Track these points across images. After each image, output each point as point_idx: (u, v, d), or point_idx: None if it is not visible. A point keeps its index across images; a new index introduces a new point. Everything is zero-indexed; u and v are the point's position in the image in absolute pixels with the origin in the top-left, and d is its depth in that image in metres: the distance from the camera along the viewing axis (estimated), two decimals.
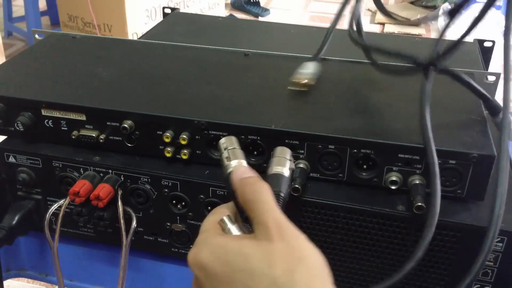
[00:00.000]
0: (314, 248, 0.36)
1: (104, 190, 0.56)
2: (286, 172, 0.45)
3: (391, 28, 3.19)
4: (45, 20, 3.09)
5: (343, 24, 0.63)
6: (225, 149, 0.44)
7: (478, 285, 0.52)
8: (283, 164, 0.46)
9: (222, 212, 0.41)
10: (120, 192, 0.57)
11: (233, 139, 0.45)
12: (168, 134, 0.55)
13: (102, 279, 0.65)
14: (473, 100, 0.59)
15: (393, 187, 0.52)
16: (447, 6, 3.09)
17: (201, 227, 0.40)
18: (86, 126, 0.58)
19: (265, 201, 0.38)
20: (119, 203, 0.57)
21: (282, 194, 0.43)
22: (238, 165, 0.42)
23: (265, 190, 0.39)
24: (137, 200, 0.58)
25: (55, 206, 0.59)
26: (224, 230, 0.39)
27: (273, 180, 0.44)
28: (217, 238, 0.38)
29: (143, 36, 0.90)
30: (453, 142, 0.50)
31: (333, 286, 0.35)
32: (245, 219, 0.40)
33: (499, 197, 0.43)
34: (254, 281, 0.34)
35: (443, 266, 0.52)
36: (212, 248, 0.37)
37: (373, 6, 3.49)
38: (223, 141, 0.45)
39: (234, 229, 0.39)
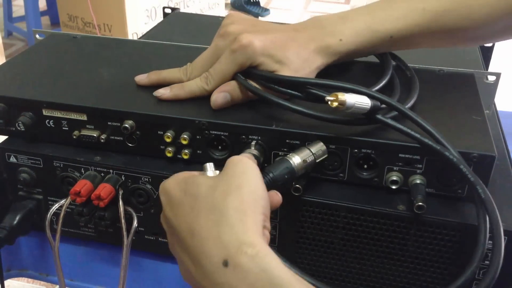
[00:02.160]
0: (257, 182, 0.42)
1: (105, 190, 0.56)
2: (294, 159, 0.49)
3: None
4: (45, 20, 3.09)
5: None
6: (256, 144, 0.54)
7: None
8: (299, 153, 0.50)
9: None
10: (121, 192, 0.57)
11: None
12: (169, 134, 0.55)
13: (103, 279, 0.65)
14: (473, 99, 0.59)
15: (393, 187, 0.52)
16: None
17: None
18: (87, 126, 0.58)
19: (239, 158, 0.45)
20: (120, 203, 0.57)
21: (271, 174, 0.47)
22: (246, 152, 0.52)
23: (245, 158, 0.45)
24: (138, 200, 0.58)
25: (56, 206, 0.59)
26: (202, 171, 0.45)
27: (276, 162, 0.49)
28: (184, 173, 0.45)
29: (143, 36, 0.90)
30: (454, 142, 0.50)
31: (262, 216, 0.40)
32: None
33: None
34: (197, 203, 0.40)
35: (443, 266, 0.52)
36: (176, 179, 0.44)
37: None
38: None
39: (209, 172, 0.45)
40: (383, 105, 0.51)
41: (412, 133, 0.49)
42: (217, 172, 0.45)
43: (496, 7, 0.55)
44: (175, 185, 0.43)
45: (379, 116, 0.51)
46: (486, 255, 0.51)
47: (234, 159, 0.44)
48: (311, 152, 0.50)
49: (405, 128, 0.50)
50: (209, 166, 0.45)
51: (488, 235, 0.45)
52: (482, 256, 0.45)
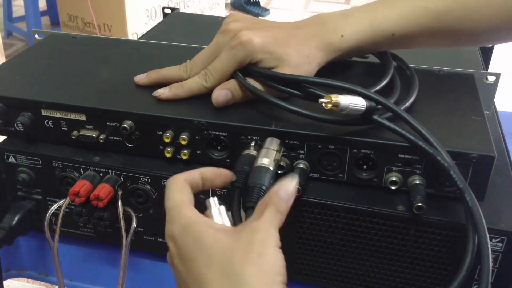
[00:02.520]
0: (277, 252, 0.39)
1: (104, 190, 0.56)
2: (270, 164, 0.48)
3: None
4: (45, 20, 3.09)
5: None
6: (255, 145, 0.52)
7: (478, 285, 0.52)
8: (269, 156, 0.49)
9: (186, 188, 0.43)
10: (120, 192, 0.57)
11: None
12: (168, 134, 0.55)
13: (102, 279, 0.65)
14: (473, 100, 0.59)
15: (393, 187, 0.52)
16: None
17: (166, 201, 0.43)
18: (86, 126, 0.58)
19: (273, 214, 0.40)
20: (119, 203, 0.57)
21: (264, 187, 0.46)
22: (293, 179, 0.43)
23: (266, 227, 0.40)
24: (137, 200, 0.58)
25: (55, 206, 0.59)
26: (207, 209, 0.43)
27: (256, 173, 0.47)
28: (191, 216, 0.41)
29: (143, 36, 0.90)
30: (453, 142, 0.50)
31: (280, 286, 0.37)
32: (246, 208, 0.45)
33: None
34: (213, 262, 0.37)
35: (443, 266, 0.52)
36: (183, 224, 0.40)
37: None
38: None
39: (216, 213, 0.42)
40: (379, 106, 0.51)
41: (406, 134, 0.49)
42: (224, 212, 0.43)
43: (497, 10, 0.55)
44: (184, 235, 0.40)
45: (375, 117, 0.50)
46: None
47: (257, 226, 0.39)
48: (275, 150, 0.51)
49: (399, 129, 0.49)
50: (214, 204, 0.43)
51: (475, 243, 0.45)
52: (471, 265, 0.45)
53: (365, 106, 0.49)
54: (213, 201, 0.43)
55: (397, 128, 0.49)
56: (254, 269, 0.36)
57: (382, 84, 0.56)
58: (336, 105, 0.48)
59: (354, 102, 0.49)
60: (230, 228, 0.41)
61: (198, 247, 0.39)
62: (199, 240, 0.39)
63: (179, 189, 0.43)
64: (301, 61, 0.56)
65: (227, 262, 0.37)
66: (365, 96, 0.50)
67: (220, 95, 0.56)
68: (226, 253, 0.38)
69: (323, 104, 0.49)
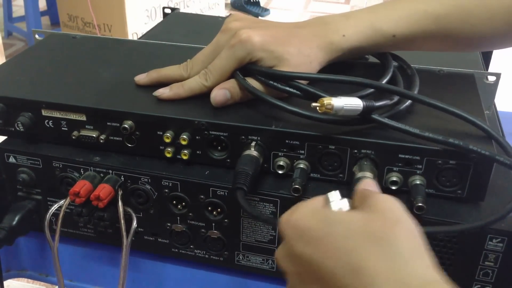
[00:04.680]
0: (411, 218, 0.37)
1: (104, 190, 0.56)
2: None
3: None
4: (45, 20, 3.09)
5: None
6: (255, 145, 0.53)
7: (479, 285, 0.52)
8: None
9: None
10: (120, 193, 0.57)
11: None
12: (168, 134, 0.55)
13: (102, 280, 0.65)
14: (473, 99, 0.59)
15: (393, 188, 0.52)
16: None
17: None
18: (86, 126, 0.58)
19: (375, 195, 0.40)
20: (119, 203, 0.57)
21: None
22: (368, 178, 0.49)
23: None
24: (137, 200, 0.58)
25: (55, 206, 0.59)
26: (326, 202, 0.41)
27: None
28: (312, 205, 0.39)
29: (143, 36, 0.90)
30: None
31: (428, 252, 0.36)
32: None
33: None
34: (351, 232, 0.35)
35: (443, 266, 0.52)
36: (308, 210, 0.38)
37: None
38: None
39: (337, 203, 0.40)
40: (382, 103, 0.51)
41: (410, 129, 0.49)
42: (346, 200, 0.41)
43: (497, 14, 0.55)
44: (308, 216, 0.38)
45: (374, 116, 0.50)
46: (486, 255, 0.51)
47: (383, 198, 0.38)
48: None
49: (401, 126, 0.49)
50: (335, 196, 0.41)
51: None
52: None
53: (361, 105, 0.49)
54: (334, 195, 0.41)
55: (399, 125, 0.49)
56: (402, 231, 0.35)
57: (384, 82, 0.56)
58: (329, 107, 0.48)
59: (349, 102, 0.49)
60: (352, 210, 0.39)
61: (329, 223, 0.36)
62: (328, 217, 0.37)
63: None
64: (301, 60, 0.56)
65: (369, 230, 0.35)
66: (373, 87, 0.51)
67: (219, 94, 0.56)
68: (364, 223, 0.36)
69: (317, 108, 0.49)
